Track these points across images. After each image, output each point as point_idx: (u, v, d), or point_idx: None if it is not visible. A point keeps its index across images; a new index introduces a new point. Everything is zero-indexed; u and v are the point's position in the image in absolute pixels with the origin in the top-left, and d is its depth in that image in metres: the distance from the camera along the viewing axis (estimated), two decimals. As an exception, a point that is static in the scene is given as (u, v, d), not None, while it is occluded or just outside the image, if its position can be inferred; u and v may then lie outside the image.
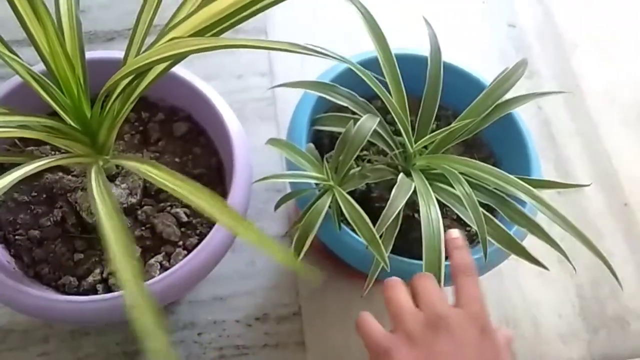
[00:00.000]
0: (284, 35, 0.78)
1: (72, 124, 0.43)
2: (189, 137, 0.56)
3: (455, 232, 0.45)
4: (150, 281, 0.44)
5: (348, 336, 0.61)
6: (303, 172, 0.48)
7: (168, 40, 0.41)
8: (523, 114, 0.57)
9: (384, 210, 0.45)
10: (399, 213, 0.46)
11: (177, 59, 0.38)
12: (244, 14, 0.36)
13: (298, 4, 0.77)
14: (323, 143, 0.56)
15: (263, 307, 0.61)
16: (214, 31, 0.39)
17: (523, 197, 0.45)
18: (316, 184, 0.50)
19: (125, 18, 0.76)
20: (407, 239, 0.52)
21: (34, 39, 0.41)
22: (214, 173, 0.54)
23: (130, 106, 0.44)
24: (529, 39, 0.83)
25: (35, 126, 0.42)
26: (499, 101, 0.52)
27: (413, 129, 0.52)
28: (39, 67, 0.44)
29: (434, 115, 0.53)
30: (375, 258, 0.45)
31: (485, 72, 0.59)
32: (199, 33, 0.40)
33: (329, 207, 0.47)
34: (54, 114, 0.44)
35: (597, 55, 0.83)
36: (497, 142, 0.59)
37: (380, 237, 0.45)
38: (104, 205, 0.37)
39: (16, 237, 0.49)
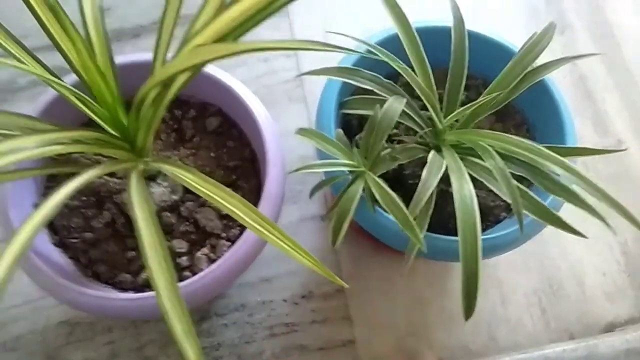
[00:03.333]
0: (306, 10, 0.77)
1: (113, 132, 0.45)
2: (222, 131, 0.57)
3: None
4: (199, 275, 0.46)
5: (393, 307, 0.63)
6: (334, 160, 0.49)
7: (193, 48, 0.42)
8: (557, 73, 0.55)
9: (416, 192, 0.45)
10: (432, 192, 0.46)
11: (203, 65, 0.39)
12: (267, 12, 0.36)
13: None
14: (352, 125, 0.57)
15: (307, 285, 0.64)
16: (240, 29, 0.40)
17: (557, 170, 0.45)
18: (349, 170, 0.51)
19: (150, 11, 0.77)
20: (443, 213, 0.52)
21: (64, 53, 0.43)
22: (248, 164, 0.56)
23: (163, 111, 0.45)
24: (560, -12, 0.80)
25: (87, 139, 0.44)
26: (529, 69, 0.51)
27: (441, 101, 0.52)
28: (71, 78, 0.46)
29: (462, 87, 0.52)
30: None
31: (516, 28, 0.57)
32: (223, 36, 0.40)
33: (363, 191, 0.48)
34: (89, 122, 0.46)
35: (632, 1, 0.80)
36: (530, 108, 0.58)
37: (415, 218, 0.45)
38: (141, 211, 0.39)
39: (71, 240, 0.52)
